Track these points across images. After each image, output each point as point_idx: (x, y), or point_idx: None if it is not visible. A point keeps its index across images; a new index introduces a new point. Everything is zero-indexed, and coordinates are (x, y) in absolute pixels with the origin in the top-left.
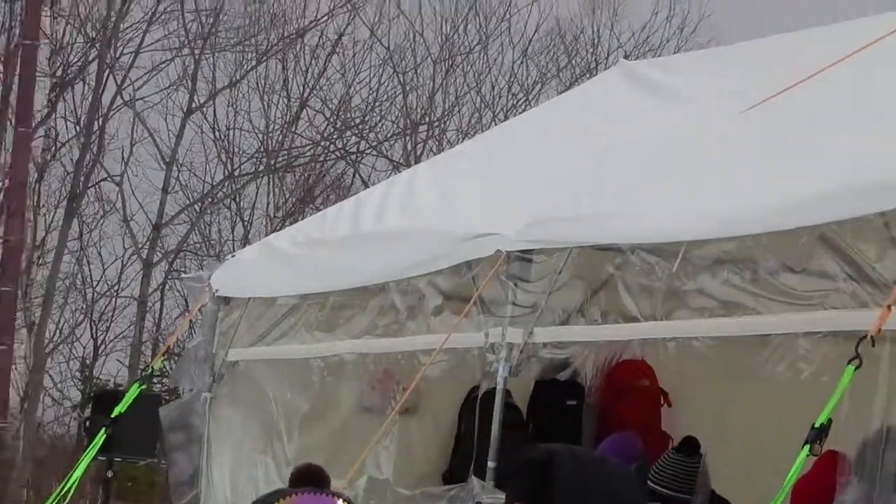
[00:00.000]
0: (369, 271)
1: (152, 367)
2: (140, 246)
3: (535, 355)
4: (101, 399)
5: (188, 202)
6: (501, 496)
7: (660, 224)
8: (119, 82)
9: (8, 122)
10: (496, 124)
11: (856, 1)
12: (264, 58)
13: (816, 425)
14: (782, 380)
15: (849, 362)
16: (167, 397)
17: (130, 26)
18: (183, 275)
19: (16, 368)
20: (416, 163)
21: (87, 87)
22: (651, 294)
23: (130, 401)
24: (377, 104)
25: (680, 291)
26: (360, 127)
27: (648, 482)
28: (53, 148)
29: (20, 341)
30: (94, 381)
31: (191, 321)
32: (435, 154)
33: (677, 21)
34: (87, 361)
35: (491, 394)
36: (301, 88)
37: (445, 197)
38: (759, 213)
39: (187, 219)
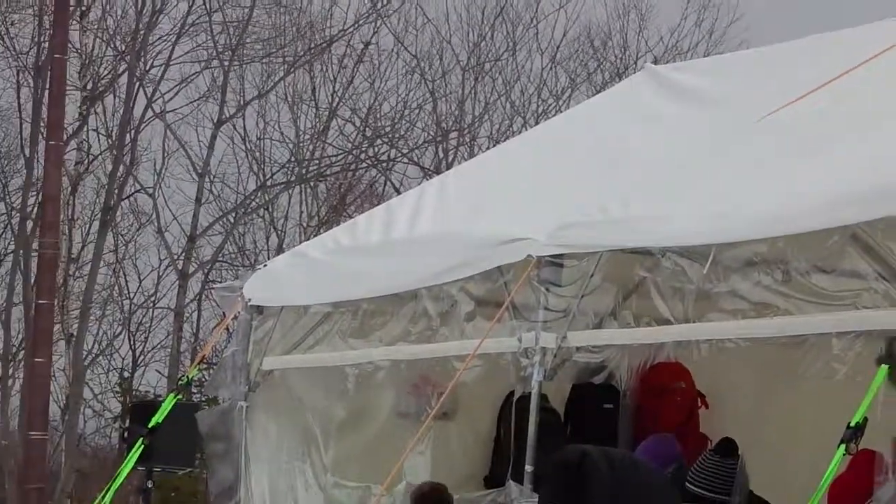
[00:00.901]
0: (401, 278)
1: (188, 377)
2: (175, 257)
3: (569, 359)
4: (139, 410)
5: (221, 213)
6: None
7: (689, 226)
8: (149, 95)
9: (40, 136)
10: (527, 130)
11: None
12: (292, 68)
13: (851, 424)
14: (817, 380)
15: (882, 362)
16: (206, 407)
17: (159, 39)
18: (215, 285)
19: (55, 380)
20: (447, 170)
21: (117, 99)
22: (683, 296)
23: (167, 411)
24: (406, 112)
25: (712, 293)
26: (391, 135)
27: (686, 484)
28: (86, 161)
29: (59, 354)
30: (134, 392)
31: (227, 330)
32: (466, 161)
33: (707, 25)
34: (127, 373)
35: (526, 398)
36: (330, 98)
37: (475, 203)
38: (789, 213)
39: (221, 229)
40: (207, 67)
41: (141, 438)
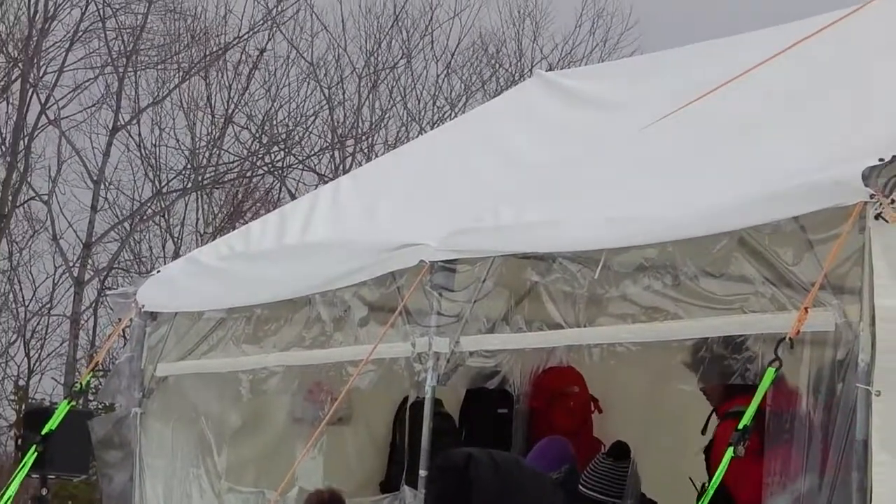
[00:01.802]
0: (294, 284)
1: (81, 384)
2: (71, 264)
3: (462, 364)
4: (32, 416)
5: (117, 220)
6: None
7: (580, 232)
8: (43, 101)
9: None
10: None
11: (782, 7)
12: (187, 75)
13: (739, 427)
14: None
15: (769, 364)
16: (102, 414)
17: (53, 45)
18: (108, 291)
19: None
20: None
21: (10, 106)
22: (574, 301)
23: (61, 418)
24: (302, 119)
25: (603, 298)
26: (287, 142)
27: (580, 487)
28: None
29: None
30: (30, 399)
31: (122, 337)
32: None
33: (601, 33)
34: (22, 380)
35: (421, 403)
36: (225, 104)
37: (368, 209)
38: (678, 219)
39: (117, 236)
40: (101, 74)
41: (34, 445)
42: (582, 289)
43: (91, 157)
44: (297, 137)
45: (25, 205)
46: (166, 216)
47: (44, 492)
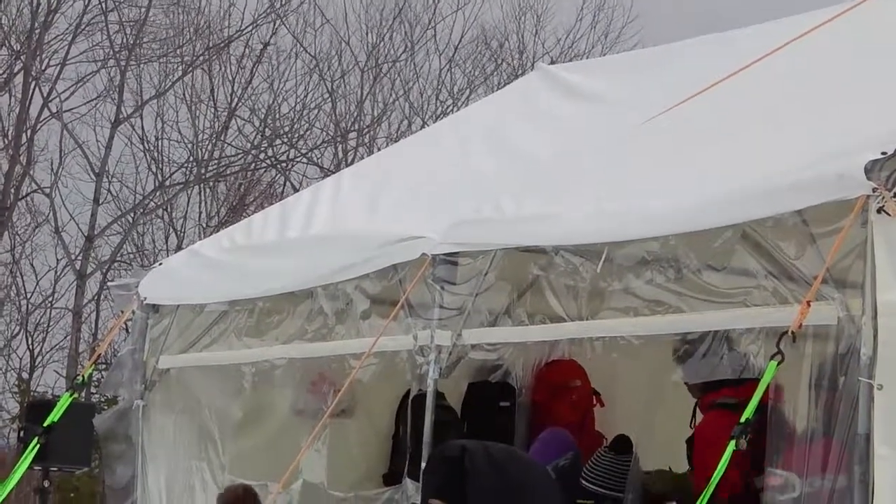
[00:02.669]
0: (296, 276)
1: (83, 377)
2: (73, 257)
3: (464, 357)
4: (35, 409)
5: (120, 213)
6: None
7: (582, 225)
8: (45, 94)
9: None
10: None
11: (781, 2)
12: (190, 68)
13: (742, 420)
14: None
15: (771, 357)
16: (105, 406)
17: (55, 38)
18: (109, 283)
19: None
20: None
21: (13, 99)
22: (576, 294)
23: (63, 410)
24: (305, 112)
25: (605, 291)
26: (290, 135)
27: (581, 480)
28: None
29: None
30: (32, 392)
31: (123, 329)
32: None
33: (602, 27)
34: (25, 373)
35: (423, 396)
36: (228, 98)
37: (371, 202)
38: (681, 212)
39: (120, 229)
40: (104, 67)
41: (36, 438)
42: (584, 282)
43: (94, 149)
44: (300, 131)
45: (28, 197)
46: (169, 209)
47: (46, 484)
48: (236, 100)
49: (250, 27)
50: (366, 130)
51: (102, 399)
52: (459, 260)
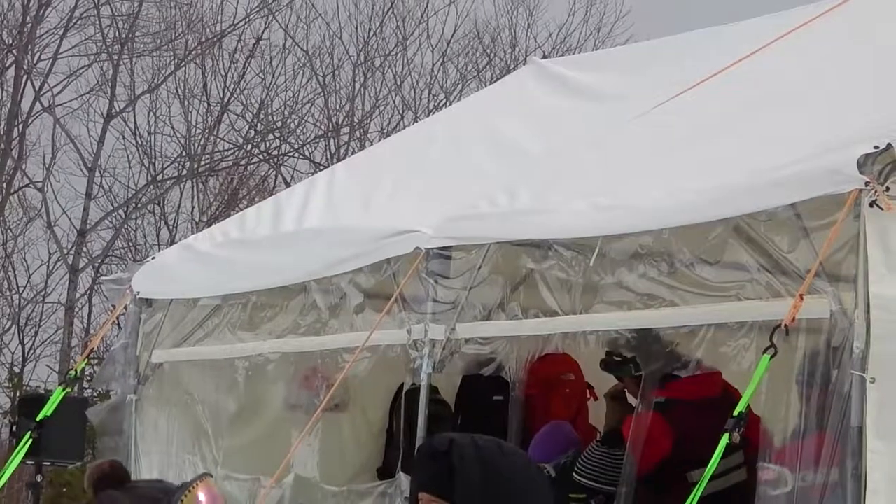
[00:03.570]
0: (290, 271)
1: (76, 371)
2: (65, 252)
3: (458, 351)
4: (27, 403)
5: (112, 207)
6: None
7: (575, 219)
8: (37, 88)
9: None
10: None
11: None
12: (182, 62)
13: (735, 414)
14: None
15: (764, 351)
16: (98, 401)
17: (47, 32)
18: (102, 277)
19: None
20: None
21: (5, 93)
22: (570, 288)
23: (55, 404)
24: (297, 107)
25: (598, 285)
26: (282, 130)
27: (574, 475)
28: None
29: None
30: (24, 386)
31: (116, 323)
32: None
33: (594, 21)
34: (16, 368)
35: (417, 390)
36: (221, 92)
37: (364, 196)
38: (674, 206)
39: (112, 224)
40: (96, 61)
41: (29, 432)
42: (577, 276)
43: (86, 144)
44: (292, 125)
45: (20, 192)
46: (161, 204)
47: (38, 478)
48: (229, 94)
49: (243, 22)
50: (358, 125)
51: (95, 393)
52: (453, 254)
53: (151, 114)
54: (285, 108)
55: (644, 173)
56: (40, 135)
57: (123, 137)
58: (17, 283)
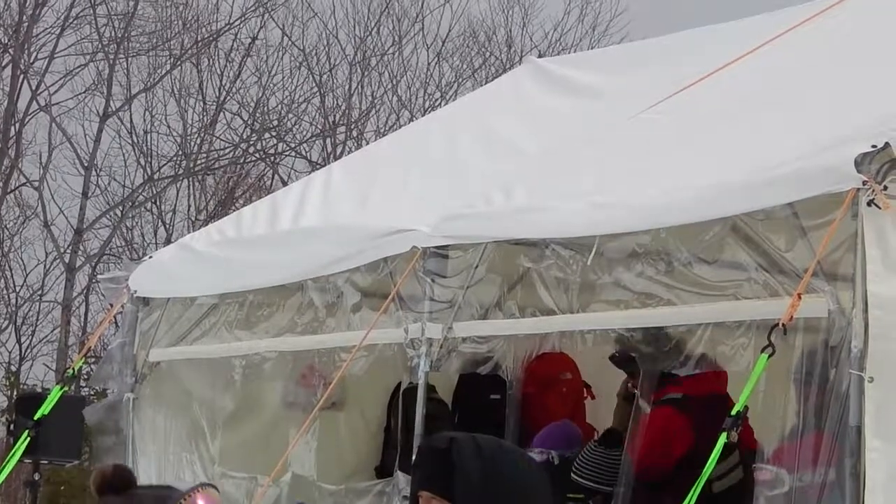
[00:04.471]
0: (287, 270)
1: (73, 370)
2: (62, 251)
3: (455, 350)
4: (25, 402)
5: (109, 206)
6: None
7: (573, 218)
8: (34, 87)
9: None
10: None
11: None
12: (179, 62)
13: (732, 413)
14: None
15: (762, 350)
16: (95, 399)
17: (43, 31)
18: (99, 276)
19: None
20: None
21: (1, 92)
22: (567, 287)
23: (53, 403)
24: (294, 106)
25: (595, 284)
26: (278, 129)
27: (572, 475)
28: None
29: None
30: (22, 385)
31: (113, 322)
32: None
33: (589, 20)
34: (13, 366)
35: (414, 388)
36: (217, 91)
37: (360, 195)
38: (671, 205)
39: (108, 223)
40: (93, 60)
41: (27, 431)
42: (575, 275)
43: (82, 143)
44: (288, 124)
45: (16, 191)
46: (158, 203)
47: (36, 477)
48: (225, 93)
49: (239, 21)
50: (354, 124)
51: (92, 392)
52: (450, 253)
53: (147, 113)
54: (281, 107)
55: (641, 172)
56: (36, 134)
57: (119, 136)
58: (13, 283)
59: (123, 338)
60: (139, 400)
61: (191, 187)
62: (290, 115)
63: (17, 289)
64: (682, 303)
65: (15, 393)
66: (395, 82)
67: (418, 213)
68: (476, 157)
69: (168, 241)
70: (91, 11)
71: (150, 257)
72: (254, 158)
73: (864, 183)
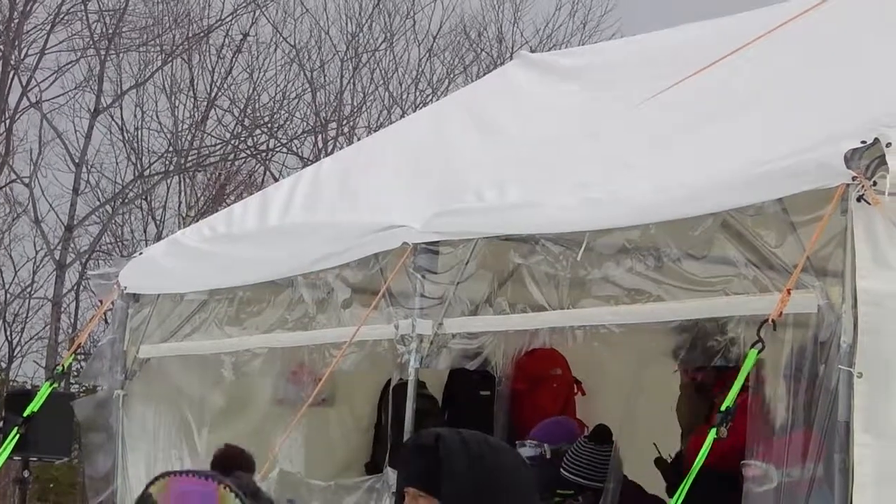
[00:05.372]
0: (277, 266)
1: (63, 366)
2: (52, 247)
3: (445, 346)
4: (14, 399)
5: (99, 203)
6: None
7: (562, 213)
8: (24, 83)
9: None
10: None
11: None
12: (169, 58)
13: (722, 409)
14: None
15: (751, 346)
16: (84, 396)
17: (34, 27)
18: (89, 273)
19: None
20: None
21: None
22: (557, 283)
23: (42, 400)
24: (285, 102)
25: (585, 280)
26: (269, 125)
27: (561, 471)
28: None
29: None
30: (11, 382)
31: (103, 319)
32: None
33: (580, 16)
34: (3, 363)
35: (404, 384)
36: (208, 88)
37: (351, 190)
38: (661, 201)
39: (99, 220)
40: (84, 56)
41: (16, 428)
42: (564, 271)
43: (73, 139)
44: (279, 121)
45: (7, 187)
46: (148, 199)
47: (25, 474)
48: (216, 90)
49: (230, 17)
50: (345, 120)
51: (82, 389)
52: (440, 249)
53: (138, 109)
54: (273, 103)
55: (631, 167)
56: (27, 130)
57: (110, 133)
58: (3, 279)
59: (113, 334)
60: (129, 396)
61: (181, 184)
62: (282, 112)
63: (7, 286)
64: (671, 298)
65: (4, 390)
66: (386, 78)
67: (409, 210)
68: (466, 153)
69: (158, 238)
70: (82, 7)
71: (141, 254)
72: (245, 155)
73: (854, 178)
